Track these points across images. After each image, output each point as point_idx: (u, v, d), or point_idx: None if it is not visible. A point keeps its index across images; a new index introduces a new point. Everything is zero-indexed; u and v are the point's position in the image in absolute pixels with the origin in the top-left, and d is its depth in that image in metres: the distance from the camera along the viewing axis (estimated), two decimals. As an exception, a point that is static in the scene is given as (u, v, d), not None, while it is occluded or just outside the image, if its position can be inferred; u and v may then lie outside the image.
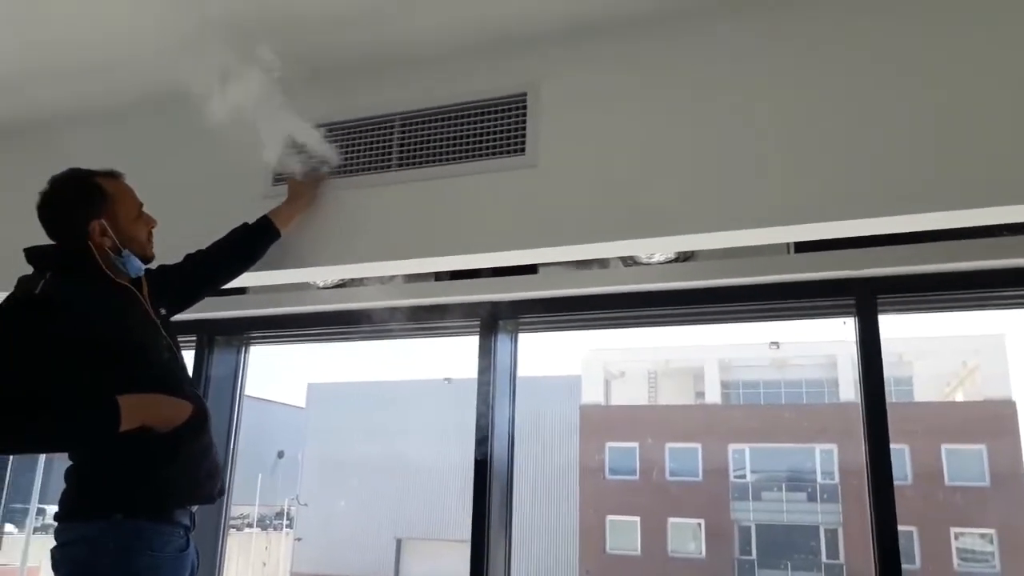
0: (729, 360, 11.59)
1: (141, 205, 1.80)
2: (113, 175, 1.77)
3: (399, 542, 11.24)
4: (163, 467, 1.61)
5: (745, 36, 2.02)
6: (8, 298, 1.60)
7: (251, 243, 2.18)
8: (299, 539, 11.74)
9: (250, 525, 11.23)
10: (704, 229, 1.95)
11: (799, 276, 2.33)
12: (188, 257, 2.09)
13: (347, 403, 12.23)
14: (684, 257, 2.42)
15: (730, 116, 1.98)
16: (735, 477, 10.63)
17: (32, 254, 1.70)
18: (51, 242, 1.72)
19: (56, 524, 1.61)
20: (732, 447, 10.70)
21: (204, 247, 2.12)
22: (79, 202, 1.70)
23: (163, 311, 1.84)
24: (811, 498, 10.47)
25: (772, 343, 11.13)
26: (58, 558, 1.56)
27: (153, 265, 1.87)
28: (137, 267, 1.75)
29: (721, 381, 11.64)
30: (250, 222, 2.18)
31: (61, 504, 1.61)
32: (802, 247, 2.31)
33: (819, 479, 10.44)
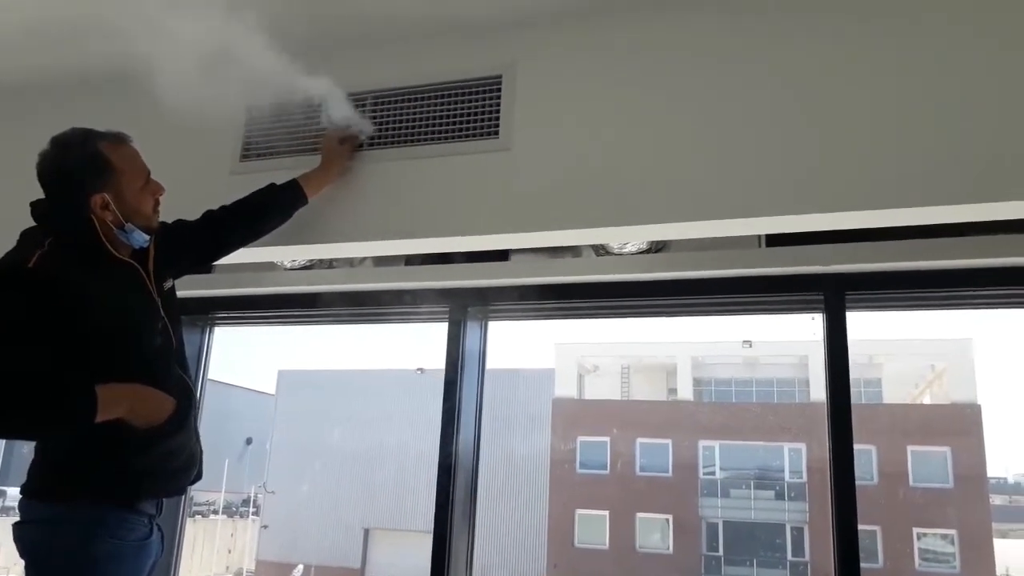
0: (702, 357, 11.67)
1: (148, 173, 1.67)
2: (120, 139, 1.63)
3: (367, 532, 11.20)
4: (134, 458, 1.56)
5: (720, 26, 2.01)
6: None
7: (277, 205, 2.06)
8: (265, 527, 11.65)
9: (216, 512, 11.11)
10: (676, 219, 1.94)
11: (769, 270, 2.34)
12: (207, 215, 1.96)
13: (318, 391, 12.14)
14: (656, 247, 2.41)
15: (704, 106, 1.97)
16: (704, 473, 10.71)
17: (36, 212, 1.61)
18: None
19: (20, 496, 1.55)
20: (702, 443, 10.78)
21: (225, 204, 2.00)
22: (81, 173, 1.57)
23: (168, 284, 1.74)
24: (779, 496, 10.58)
25: (745, 341, 11.22)
26: (18, 535, 1.52)
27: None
28: (141, 239, 1.64)
29: (693, 378, 11.72)
30: (277, 183, 2.06)
31: (28, 478, 1.56)
32: (773, 241, 2.31)
33: (787, 477, 10.56)
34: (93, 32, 2.34)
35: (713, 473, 10.67)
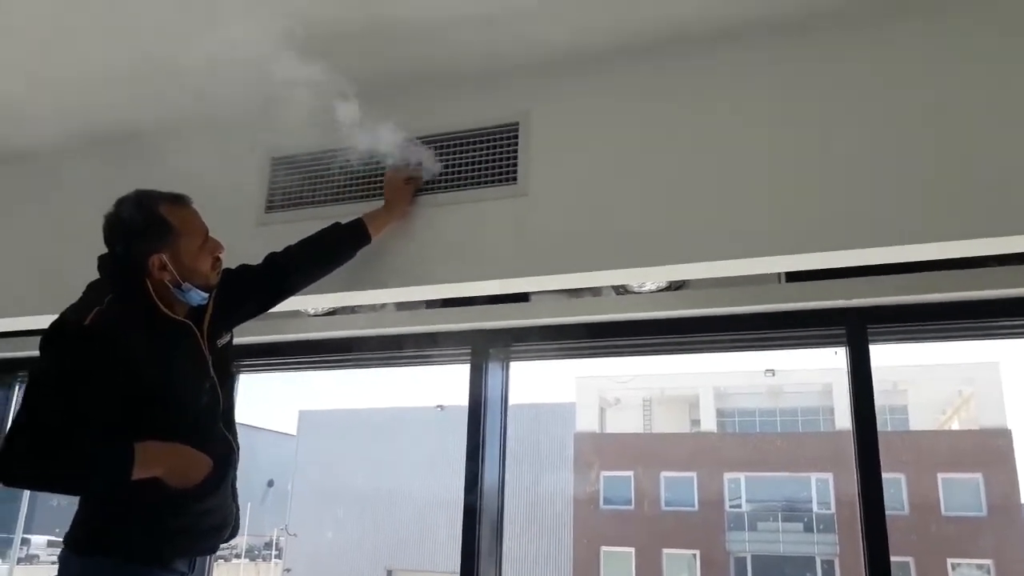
0: (724, 388, 11.56)
1: (206, 232, 1.70)
2: (180, 201, 1.67)
3: (389, 573, 11.09)
4: (169, 517, 1.58)
5: (737, 66, 2.04)
6: (55, 323, 1.56)
7: (342, 244, 2.07)
8: (288, 570, 11.57)
9: (239, 555, 11.07)
10: (695, 259, 1.96)
11: (790, 306, 2.34)
12: (270, 257, 1.99)
13: (339, 431, 12.13)
14: (676, 286, 2.42)
15: (721, 146, 2.00)
16: (730, 507, 10.54)
17: (100, 266, 1.66)
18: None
19: (62, 546, 1.59)
20: (727, 476, 10.63)
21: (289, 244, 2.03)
22: (141, 234, 1.61)
23: (223, 340, 1.77)
24: (807, 528, 10.38)
25: (767, 371, 11.12)
26: None
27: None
28: (198, 298, 1.66)
29: (716, 409, 11.61)
30: (342, 222, 2.08)
31: (70, 528, 1.59)
32: (793, 276, 2.31)
33: (815, 509, 10.37)
34: (139, 87, 2.42)
35: (739, 506, 10.51)
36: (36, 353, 1.55)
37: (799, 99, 1.97)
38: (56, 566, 1.58)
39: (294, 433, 12.42)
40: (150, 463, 1.50)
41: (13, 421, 1.47)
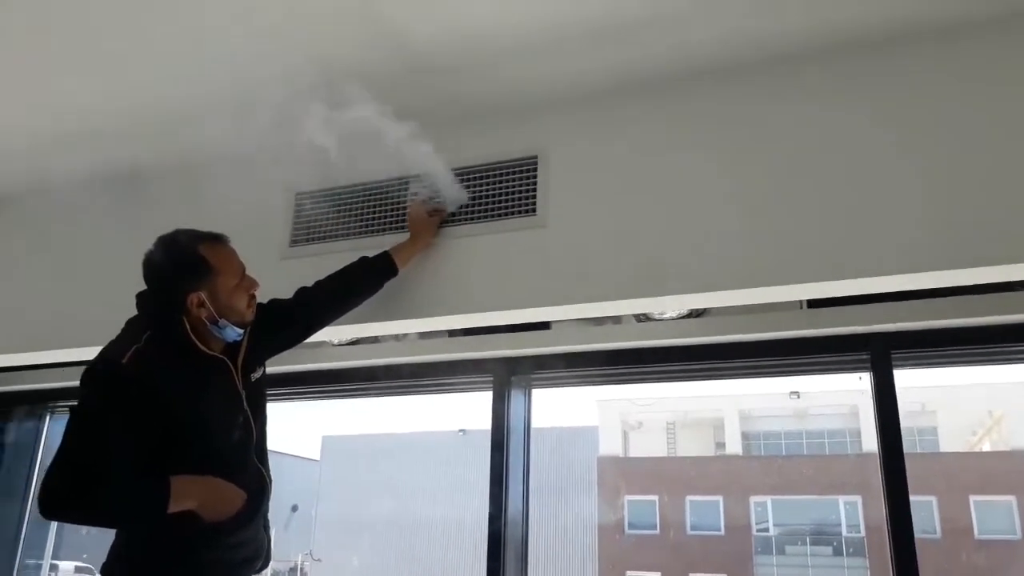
0: (749, 410, 11.43)
1: (243, 271, 1.75)
2: (219, 240, 1.72)
3: (414, 600, 11.04)
4: (202, 550, 1.61)
5: (754, 97, 2.07)
6: (96, 361, 1.60)
7: (369, 276, 2.13)
8: (313, 596, 11.57)
9: (264, 582, 11.08)
10: (715, 288, 1.97)
11: (813, 332, 2.33)
12: (299, 292, 2.03)
13: (362, 456, 12.14)
14: (697, 313, 2.42)
15: (740, 175, 2.02)
16: (757, 531, 10.37)
17: (139, 303, 1.71)
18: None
19: None
20: (754, 499, 10.48)
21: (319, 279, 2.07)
22: (179, 273, 1.65)
23: (257, 374, 1.80)
24: (837, 552, 10.18)
25: (792, 393, 10.99)
26: None
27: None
28: (234, 334, 1.71)
29: (741, 432, 11.47)
30: (369, 255, 2.14)
31: (106, 559, 1.63)
32: (815, 302, 2.31)
33: (844, 532, 10.17)
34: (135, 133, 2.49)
35: (767, 530, 10.34)
36: (64, 384, 1.59)
37: (818, 126, 1.98)
38: None
39: (317, 458, 12.46)
40: (185, 497, 1.54)
41: (54, 456, 1.51)
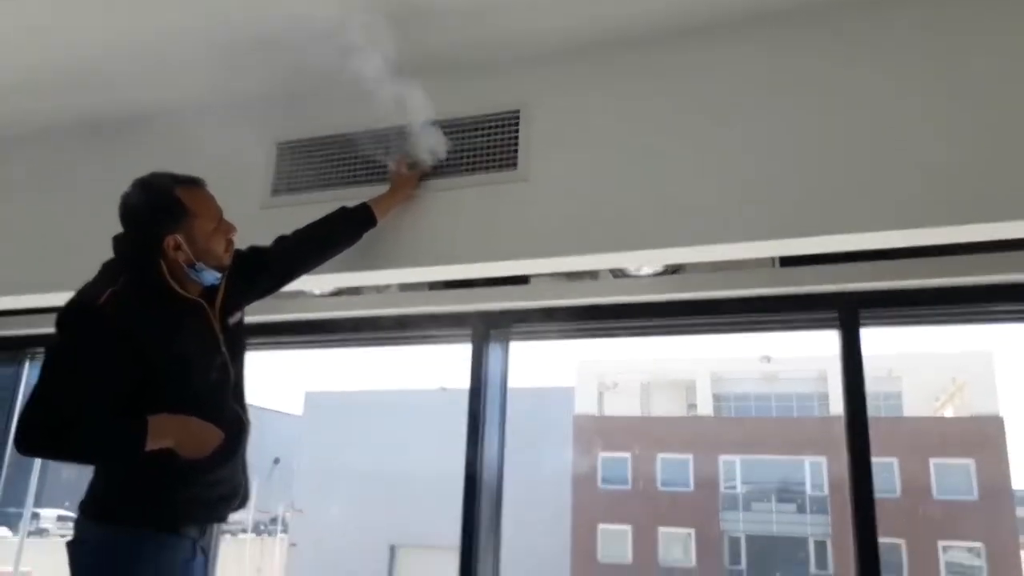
0: (721, 373, 11.65)
1: (220, 215, 1.74)
2: (195, 184, 1.72)
3: (393, 548, 11.25)
4: (180, 487, 1.64)
5: (733, 55, 2.09)
6: (72, 302, 1.60)
7: (348, 227, 2.14)
8: (294, 545, 11.75)
9: (245, 531, 11.23)
10: (690, 243, 2.01)
11: (784, 290, 2.38)
12: (279, 240, 2.04)
13: (343, 412, 12.25)
14: (672, 270, 2.47)
15: (717, 133, 2.05)
16: (725, 488, 10.67)
17: (116, 247, 1.70)
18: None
19: (77, 513, 1.66)
20: (723, 458, 10.75)
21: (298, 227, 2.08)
22: (156, 215, 1.65)
23: (235, 318, 1.81)
24: (800, 510, 10.51)
25: (764, 357, 11.20)
26: (70, 555, 1.62)
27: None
28: (211, 278, 1.71)
29: (713, 394, 11.71)
30: (348, 206, 2.14)
31: (84, 496, 1.65)
32: (787, 261, 2.36)
33: (808, 491, 10.49)
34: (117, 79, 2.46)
35: (734, 487, 10.63)
36: (43, 331, 1.60)
37: (796, 86, 2.01)
38: (64, 539, 1.64)
39: (300, 414, 12.57)
40: (162, 434, 1.56)
41: (30, 393, 1.53)
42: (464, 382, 2.70)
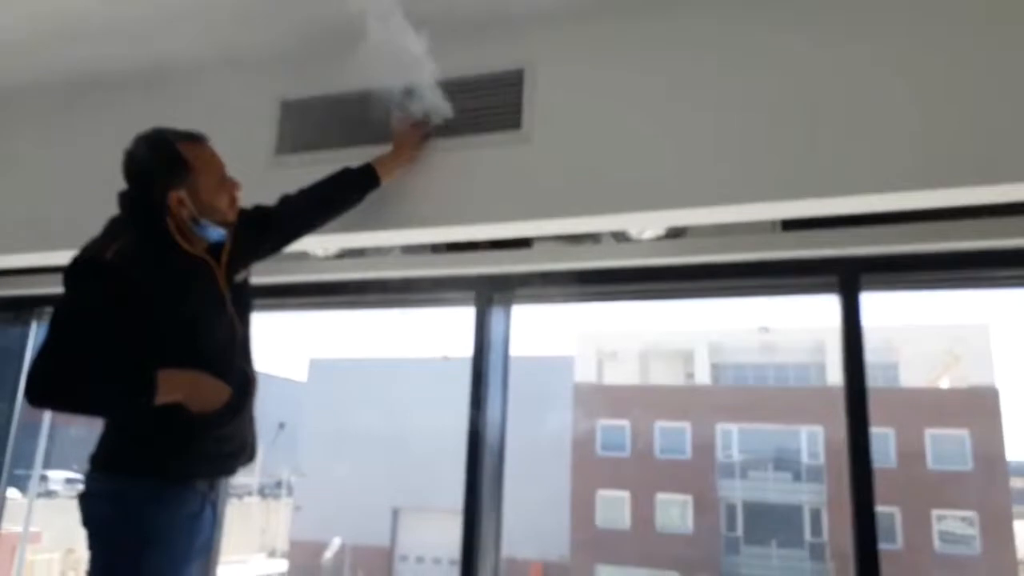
0: (719, 343, 11.71)
1: (223, 170, 1.74)
2: (197, 140, 1.71)
3: (395, 511, 11.43)
4: (189, 441, 1.66)
5: (737, 16, 2.08)
6: (79, 256, 1.61)
7: (352, 187, 2.14)
8: (298, 508, 11.94)
9: (250, 494, 11.40)
10: (692, 204, 2.02)
11: (785, 254, 2.39)
12: (283, 199, 2.05)
13: (347, 378, 12.36)
14: (674, 233, 2.48)
15: (721, 94, 2.05)
16: (723, 456, 10.78)
17: (121, 202, 1.71)
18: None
19: (87, 467, 1.68)
20: (720, 427, 10.85)
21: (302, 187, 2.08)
22: (159, 171, 1.66)
23: (241, 276, 1.82)
24: (796, 478, 10.63)
25: (762, 328, 11.24)
26: (81, 508, 1.65)
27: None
28: (216, 234, 1.72)
29: (711, 363, 11.77)
30: (352, 166, 2.14)
31: (95, 449, 1.68)
32: (789, 225, 2.37)
33: (805, 459, 10.60)
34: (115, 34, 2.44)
35: (731, 455, 10.75)
36: (50, 290, 1.60)
37: (794, 46, 2.01)
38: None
39: (304, 380, 12.69)
40: (171, 388, 1.58)
41: (40, 346, 1.54)
42: (466, 351, 2.72)
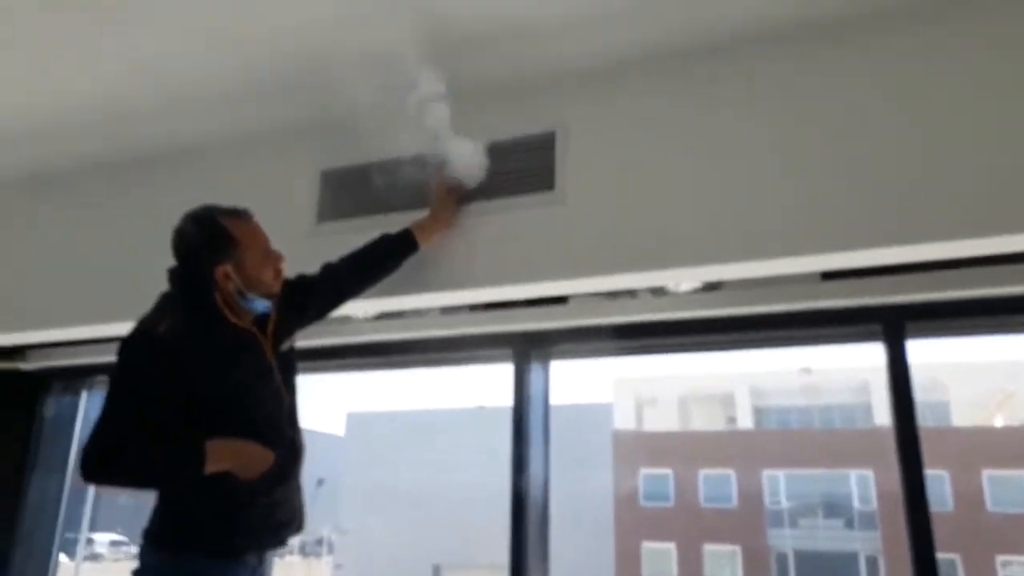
0: (760, 387, 11.48)
1: (268, 244, 1.81)
2: (243, 216, 1.78)
3: (436, 568, 11.28)
4: (239, 513, 1.68)
5: (770, 68, 2.10)
6: (133, 331, 1.68)
7: (391, 253, 2.19)
8: (339, 566, 11.85)
9: (291, 552, 11.37)
10: (730, 259, 2.02)
11: (826, 303, 2.36)
12: (326, 267, 2.10)
13: (385, 431, 12.36)
14: (712, 286, 2.47)
15: (755, 147, 2.06)
16: (770, 503, 10.47)
17: (170, 278, 1.77)
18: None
19: (141, 540, 1.71)
20: (766, 472, 10.56)
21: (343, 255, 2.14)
22: (206, 247, 1.72)
23: (286, 345, 1.87)
24: (848, 525, 10.26)
25: (803, 369, 11.01)
26: None
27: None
28: (262, 306, 1.77)
29: (753, 407, 11.53)
30: (391, 233, 2.20)
31: (148, 522, 1.71)
32: (830, 274, 2.34)
33: (856, 505, 10.25)
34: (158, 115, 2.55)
35: (779, 503, 10.43)
36: (100, 360, 1.65)
37: (834, 99, 2.02)
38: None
39: (342, 435, 12.72)
40: (219, 458, 1.61)
41: (95, 423, 1.59)
42: (502, 400, 2.72)
